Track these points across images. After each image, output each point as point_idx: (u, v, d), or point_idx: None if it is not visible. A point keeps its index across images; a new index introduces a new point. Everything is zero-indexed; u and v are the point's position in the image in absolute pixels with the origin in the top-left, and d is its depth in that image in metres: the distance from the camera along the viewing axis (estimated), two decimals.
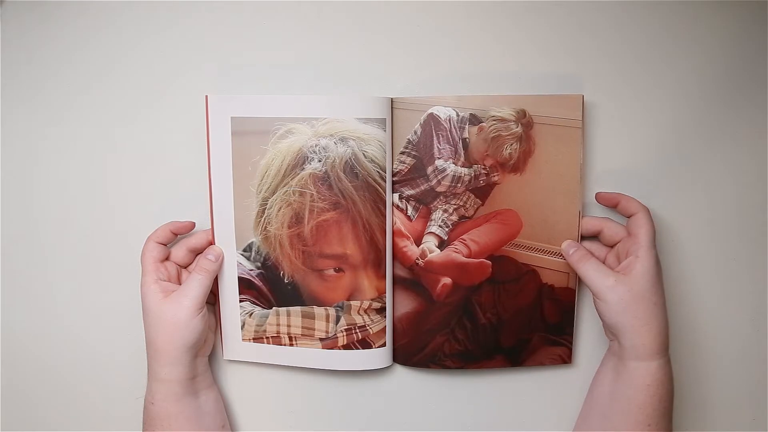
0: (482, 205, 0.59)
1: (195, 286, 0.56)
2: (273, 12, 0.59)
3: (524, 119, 0.57)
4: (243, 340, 0.60)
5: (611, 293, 0.53)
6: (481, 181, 0.58)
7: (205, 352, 0.59)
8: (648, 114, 0.60)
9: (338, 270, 0.58)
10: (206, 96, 0.56)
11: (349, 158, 0.56)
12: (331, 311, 0.59)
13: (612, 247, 0.58)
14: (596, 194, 0.59)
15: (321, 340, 0.59)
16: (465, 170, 0.58)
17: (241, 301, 0.59)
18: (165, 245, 0.58)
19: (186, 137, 0.60)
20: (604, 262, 0.57)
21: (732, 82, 0.60)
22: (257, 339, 0.60)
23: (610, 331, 0.56)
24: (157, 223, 0.59)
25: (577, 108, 0.56)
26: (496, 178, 0.58)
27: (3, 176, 0.62)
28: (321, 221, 0.57)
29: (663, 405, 0.55)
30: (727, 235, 0.62)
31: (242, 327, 0.60)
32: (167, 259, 0.58)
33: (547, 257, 0.59)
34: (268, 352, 0.60)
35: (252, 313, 0.60)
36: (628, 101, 0.60)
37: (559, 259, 0.59)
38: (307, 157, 0.56)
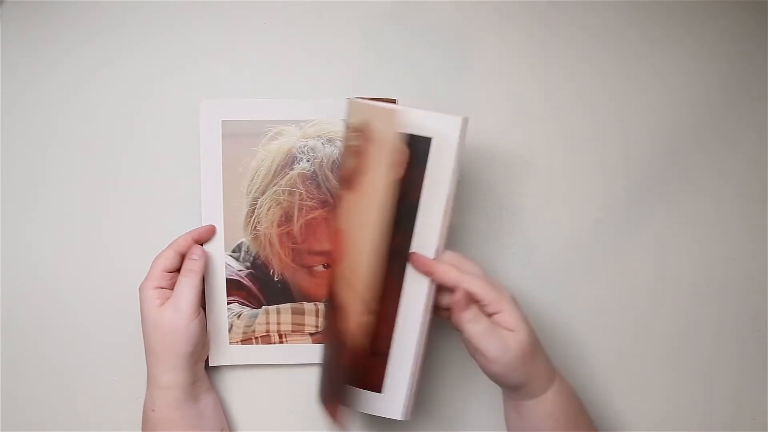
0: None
1: (185, 289, 0.55)
2: (265, 15, 0.62)
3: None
4: (230, 343, 0.59)
5: (505, 354, 0.50)
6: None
7: (203, 356, 0.59)
8: (647, 114, 0.61)
9: (326, 266, 0.58)
10: (200, 101, 0.58)
11: (336, 158, 0.58)
12: (321, 306, 0.59)
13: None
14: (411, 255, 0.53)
15: (311, 334, 0.59)
16: None
17: (229, 303, 0.59)
18: (182, 256, 0.57)
19: (181, 141, 0.61)
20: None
21: (732, 81, 0.61)
22: (245, 340, 0.59)
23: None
24: (151, 225, 0.60)
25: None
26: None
27: (2, 176, 0.63)
28: (310, 219, 0.58)
29: (573, 421, 0.54)
30: (727, 235, 0.62)
31: (230, 330, 0.59)
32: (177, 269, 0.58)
33: None
34: (255, 352, 0.59)
35: (240, 315, 0.59)
36: (627, 101, 0.61)
37: None
38: (296, 158, 0.58)
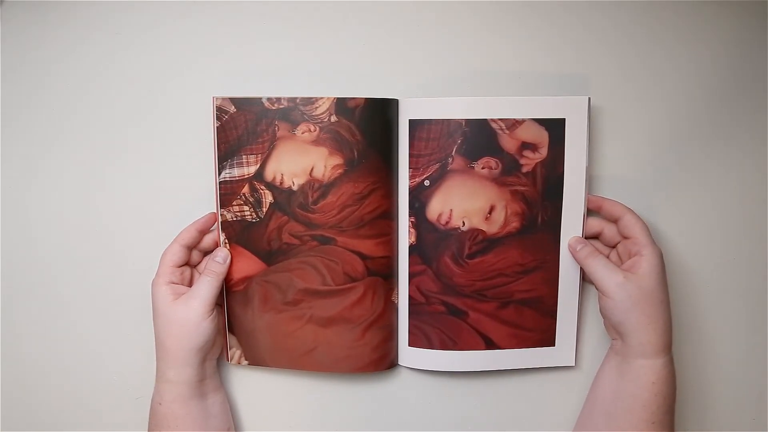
0: None
1: (204, 287, 0.56)
2: (276, 11, 0.61)
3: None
4: None
5: (620, 290, 0.53)
6: None
7: (214, 354, 0.59)
8: (648, 115, 0.61)
9: None
10: (213, 97, 0.57)
11: None
12: None
13: (612, 247, 0.59)
14: None
15: None
16: None
17: None
18: (189, 249, 0.58)
19: (185, 136, 0.61)
20: None
21: (732, 81, 0.61)
22: None
23: (614, 330, 0.56)
24: (162, 223, 0.59)
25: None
26: None
27: (3, 176, 0.62)
28: None
29: (667, 402, 0.55)
30: (727, 235, 0.63)
31: None
32: (186, 263, 0.58)
33: None
34: None
35: None
36: (630, 102, 0.61)
37: None
38: None
